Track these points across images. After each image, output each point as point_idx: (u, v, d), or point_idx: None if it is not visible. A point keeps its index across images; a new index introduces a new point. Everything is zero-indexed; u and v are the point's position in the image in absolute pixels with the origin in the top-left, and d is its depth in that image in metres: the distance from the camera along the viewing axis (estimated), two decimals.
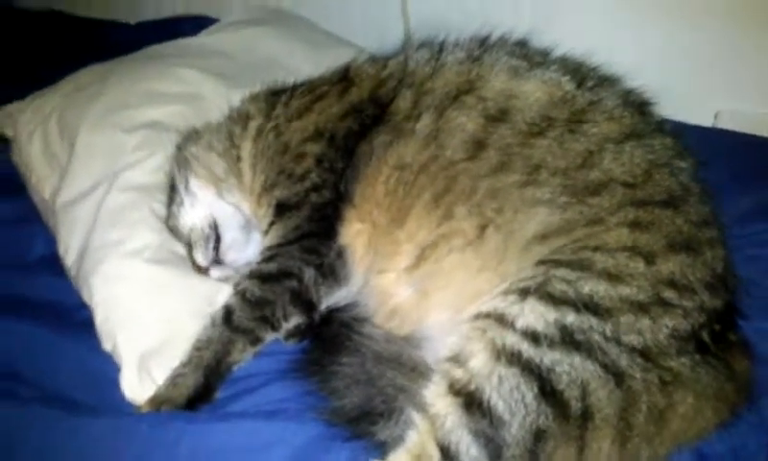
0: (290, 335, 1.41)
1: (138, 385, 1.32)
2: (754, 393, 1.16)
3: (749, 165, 1.90)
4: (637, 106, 1.35)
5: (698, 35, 2.12)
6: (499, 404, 1.04)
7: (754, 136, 2.05)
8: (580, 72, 1.38)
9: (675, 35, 2.16)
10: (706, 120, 2.14)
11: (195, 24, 2.57)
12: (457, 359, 1.11)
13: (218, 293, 1.46)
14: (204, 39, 2.24)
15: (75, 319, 1.50)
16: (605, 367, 1.05)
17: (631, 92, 1.37)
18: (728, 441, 1.12)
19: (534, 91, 1.35)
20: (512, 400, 1.04)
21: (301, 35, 2.34)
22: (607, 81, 1.38)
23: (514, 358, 1.06)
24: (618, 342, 1.07)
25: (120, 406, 1.32)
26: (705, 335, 1.12)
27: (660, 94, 1.86)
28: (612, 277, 1.11)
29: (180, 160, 1.60)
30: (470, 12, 1.75)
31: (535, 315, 1.08)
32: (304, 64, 1.99)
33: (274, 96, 1.62)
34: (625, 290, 1.10)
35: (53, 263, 1.65)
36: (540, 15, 2.24)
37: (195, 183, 1.55)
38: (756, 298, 1.32)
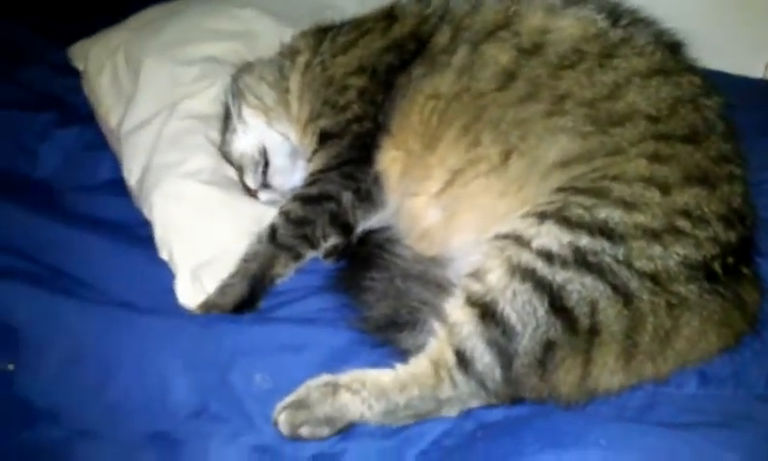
0: (328, 254, 1.52)
1: (191, 292, 1.44)
2: (760, 324, 1.21)
3: None
4: (669, 45, 1.38)
5: None
6: (512, 316, 1.12)
7: None
8: (616, 12, 1.42)
9: None
10: (756, 72, 2.12)
11: None
12: (476, 274, 1.19)
13: (265, 214, 1.56)
14: None
15: (136, 234, 1.62)
16: (615, 288, 1.12)
17: (664, 32, 1.40)
18: (730, 365, 1.18)
19: (568, 27, 1.39)
20: (524, 312, 1.12)
21: None
22: (642, 21, 1.41)
23: (527, 275, 1.13)
24: (629, 266, 1.13)
25: (174, 310, 1.44)
26: (716, 266, 1.16)
27: (710, 46, 1.86)
28: (628, 205, 1.16)
29: (234, 91, 1.70)
30: None
31: (550, 237, 1.15)
32: (354, 5, 2.05)
33: (321, 32, 1.70)
34: (639, 217, 1.15)
35: (117, 186, 1.77)
36: None
37: (247, 112, 1.66)
38: None
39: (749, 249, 1.26)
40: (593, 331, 1.11)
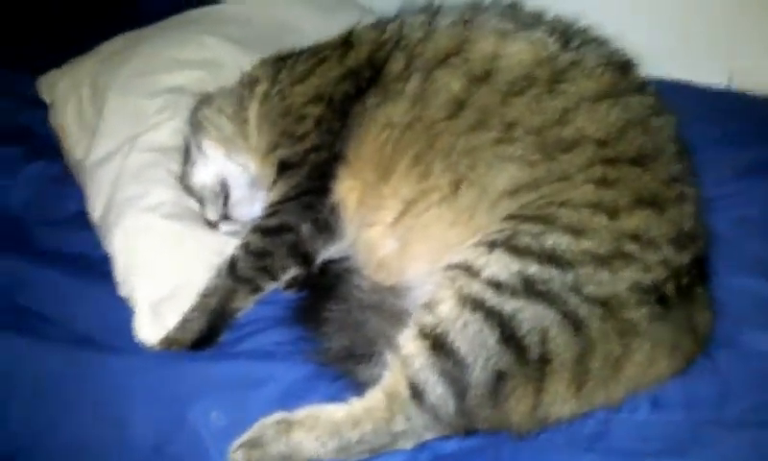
0: (288, 286, 1.52)
1: (151, 328, 1.43)
2: (711, 344, 1.21)
3: (756, 125, 1.90)
4: (620, 65, 1.38)
5: None
6: (463, 347, 1.12)
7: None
8: (567, 33, 1.42)
9: None
10: (719, 80, 2.13)
11: None
12: (428, 305, 1.18)
13: (226, 245, 1.56)
14: (226, 7, 2.32)
15: (101, 269, 1.60)
16: (564, 315, 1.12)
17: (614, 52, 1.40)
18: (682, 389, 1.18)
19: (519, 52, 1.39)
20: (475, 343, 1.12)
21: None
22: (593, 41, 1.42)
23: (477, 305, 1.13)
24: (578, 292, 1.13)
25: (134, 347, 1.43)
26: (668, 288, 1.17)
27: (671, 57, 1.85)
28: (576, 231, 1.16)
29: (195, 123, 1.70)
30: None
31: (499, 266, 1.15)
32: (318, 30, 2.05)
33: (281, 61, 1.70)
34: (587, 243, 1.15)
35: (83, 219, 1.76)
36: None
37: (207, 144, 1.66)
38: (732, 257, 1.37)
39: (703, 268, 1.26)
40: (544, 360, 1.11)
